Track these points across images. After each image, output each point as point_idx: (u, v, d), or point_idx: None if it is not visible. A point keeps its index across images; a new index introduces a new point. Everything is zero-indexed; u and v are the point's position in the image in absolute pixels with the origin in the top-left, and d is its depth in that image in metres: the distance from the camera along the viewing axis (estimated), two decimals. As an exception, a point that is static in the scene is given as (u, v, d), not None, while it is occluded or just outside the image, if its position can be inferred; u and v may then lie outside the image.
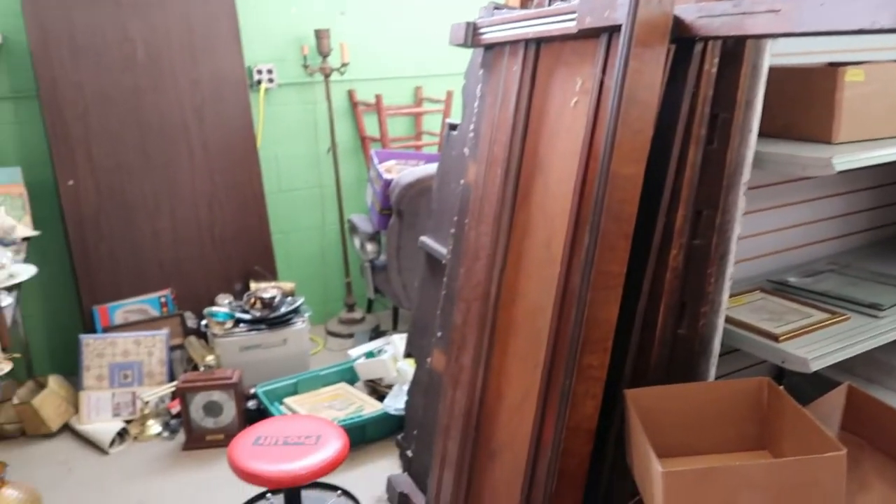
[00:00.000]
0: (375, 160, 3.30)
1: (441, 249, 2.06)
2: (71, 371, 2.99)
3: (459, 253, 1.79)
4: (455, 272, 1.81)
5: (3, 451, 2.77)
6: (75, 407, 2.91)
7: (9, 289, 2.17)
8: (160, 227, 3.22)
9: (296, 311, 3.17)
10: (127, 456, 2.70)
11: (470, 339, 1.63)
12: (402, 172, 3.12)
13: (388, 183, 3.10)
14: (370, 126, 3.69)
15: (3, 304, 2.04)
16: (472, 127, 1.77)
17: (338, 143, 3.62)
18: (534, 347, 1.35)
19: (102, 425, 2.83)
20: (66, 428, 2.88)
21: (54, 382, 2.96)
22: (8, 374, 3.02)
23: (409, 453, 2.22)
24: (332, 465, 2.03)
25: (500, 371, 1.50)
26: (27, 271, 2.38)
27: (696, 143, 1.21)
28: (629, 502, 1.21)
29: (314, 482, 2.39)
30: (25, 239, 2.82)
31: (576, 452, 1.19)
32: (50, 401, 2.87)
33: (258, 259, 3.45)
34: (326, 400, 2.92)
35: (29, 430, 2.85)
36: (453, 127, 2.11)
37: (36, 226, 3.00)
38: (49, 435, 2.83)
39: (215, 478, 2.53)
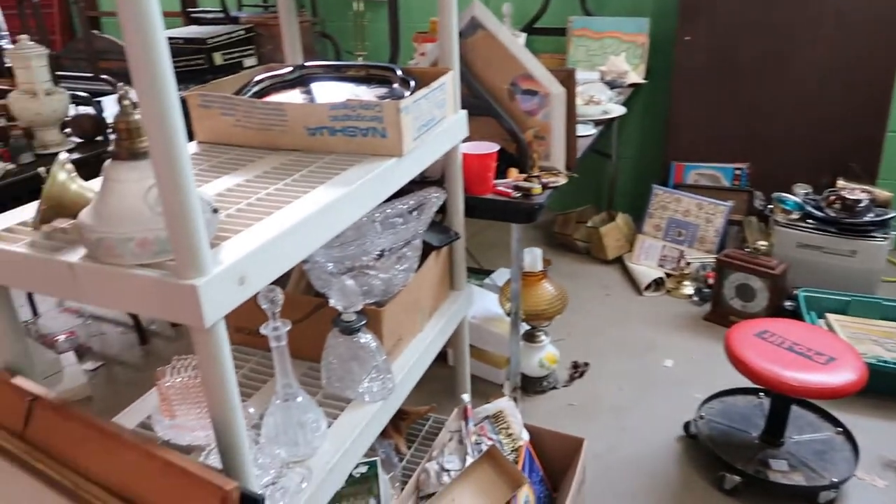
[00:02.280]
0: None
1: None
2: (637, 214, 3.31)
3: None
4: None
5: (569, 261, 3.34)
6: (631, 245, 3.25)
7: (597, 122, 2.49)
8: (758, 95, 3.10)
9: (881, 225, 2.71)
10: (655, 302, 2.93)
11: None
12: None
13: None
14: None
15: (585, 133, 2.36)
16: None
17: None
18: None
19: (646, 269, 3.10)
20: (619, 261, 3.27)
21: (622, 219, 3.35)
22: (591, 201, 3.54)
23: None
24: (832, 393, 1.79)
25: None
26: (618, 111, 2.66)
27: None
28: None
29: (808, 403, 2.16)
30: (632, 85, 3.12)
31: None
32: (613, 233, 3.27)
33: (858, 156, 3.01)
34: (877, 334, 2.49)
35: (592, 252, 3.34)
36: None
37: (647, 75, 3.27)
38: (604, 261, 3.28)
39: (719, 354, 2.53)
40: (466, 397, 1.70)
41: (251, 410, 1.21)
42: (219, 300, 0.87)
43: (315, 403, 1.26)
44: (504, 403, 1.77)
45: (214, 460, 1.09)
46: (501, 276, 2.51)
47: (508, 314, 2.11)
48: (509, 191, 1.82)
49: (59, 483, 0.90)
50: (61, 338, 2.76)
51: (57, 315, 2.97)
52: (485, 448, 1.56)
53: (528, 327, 2.34)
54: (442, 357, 2.42)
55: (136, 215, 0.88)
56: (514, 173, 1.90)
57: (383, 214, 1.51)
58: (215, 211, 0.95)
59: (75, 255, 0.93)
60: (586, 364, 2.51)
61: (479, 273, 2.63)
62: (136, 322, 2.81)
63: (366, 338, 1.35)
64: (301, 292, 1.53)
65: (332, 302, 1.31)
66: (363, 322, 1.34)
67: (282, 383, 1.21)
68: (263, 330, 1.17)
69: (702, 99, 3.20)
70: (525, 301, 2.19)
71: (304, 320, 1.44)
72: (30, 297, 3.05)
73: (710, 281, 2.92)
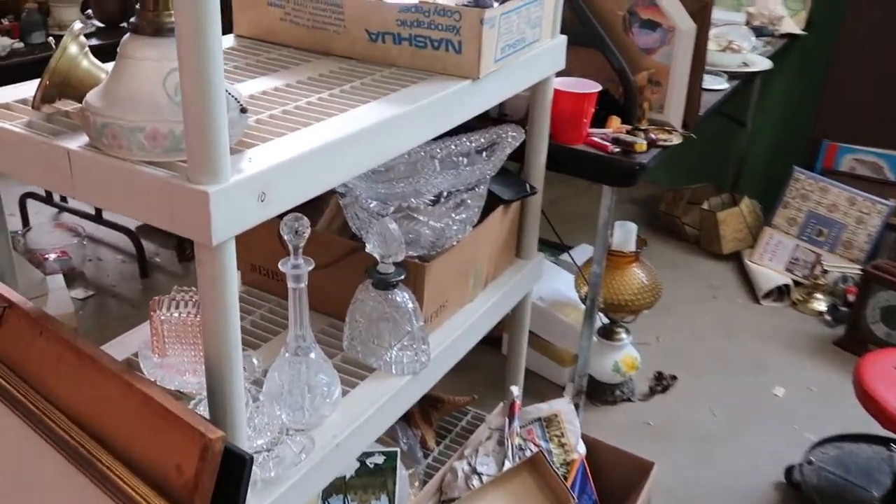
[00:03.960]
0: None
1: None
2: (768, 202, 3.23)
3: None
4: None
5: (671, 248, 3.30)
6: (754, 239, 3.18)
7: (732, 76, 2.43)
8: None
9: None
10: (774, 314, 2.88)
11: None
12: None
13: None
14: None
15: (714, 86, 2.30)
16: None
17: None
18: None
19: (769, 272, 3.03)
20: (735, 256, 3.21)
21: (746, 205, 3.27)
22: (710, 178, 3.47)
23: None
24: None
25: None
26: (762, 64, 2.59)
27: None
28: None
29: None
30: (786, 36, 3.01)
31: None
32: (733, 221, 3.21)
33: None
34: None
35: (703, 242, 3.29)
36: None
37: (807, 26, 3.16)
38: (717, 254, 3.22)
39: (845, 388, 2.47)
40: (516, 390, 1.72)
41: (255, 361, 1.25)
42: (232, 215, 0.90)
43: (330, 365, 1.29)
44: (562, 406, 1.78)
45: (204, 412, 1.14)
46: (583, 253, 2.50)
47: (584, 301, 2.11)
48: (606, 143, 1.80)
49: (21, 404, 0.96)
50: (51, 256, 2.90)
51: (50, 230, 3.12)
52: (529, 455, 1.58)
53: (606, 321, 2.33)
54: (494, 343, 2.44)
55: (151, 102, 0.91)
56: (615, 122, 1.88)
57: (446, 150, 1.52)
58: (244, 111, 0.98)
59: (75, 142, 0.98)
60: (673, 377, 2.49)
61: (555, 246, 2.63)
62: (139, 251, 2.93)
63: (402, 296, 1.37)
64: (334, 232, 1.56)
65: (368, 247, 1.33)
66: (401, 277, 1.36)
67: (294, 334, 1.25)
68: (282, 266, 1.20)
69: (874, 65, 3.07)
70: (607, 287, 2.18)
71: (333, 265, 1.47)
72: (22, 205, 3.21)
73: (850, 297, 2.84)
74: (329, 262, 1.47)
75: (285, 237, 1.18)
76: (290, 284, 1.21)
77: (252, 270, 1.62)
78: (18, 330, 1.02)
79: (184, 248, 3.00)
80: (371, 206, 1.41)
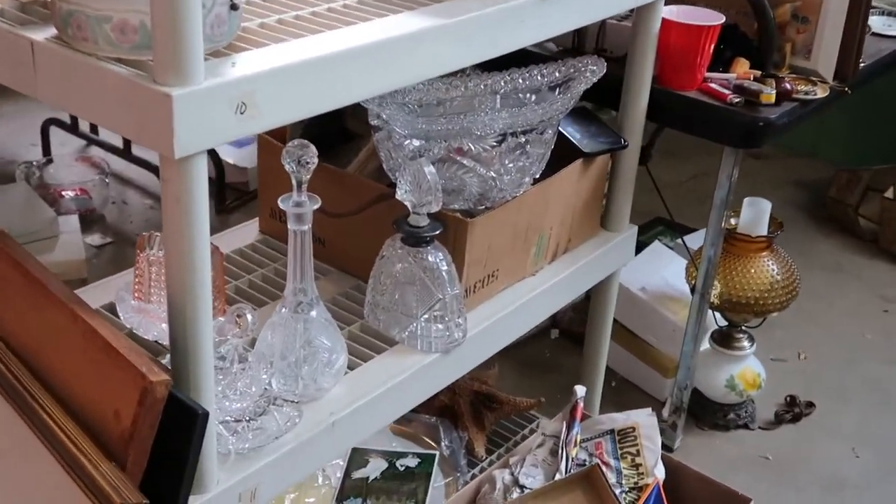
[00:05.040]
0: None
1: None
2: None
3: None
4: None
5: (838, 245, 3.23)
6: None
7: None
8: None
9: None
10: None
11: None
12: None
13: None
14: None
15: (888, 31, 2.25)
16: None
17: None
18: None
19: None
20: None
21: (946, 196, 3.16)
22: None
23: None
24: None
25: None
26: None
27: None
28: None
29: None
30: None
31: None
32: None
33: None
34: None
35: (882, 239, 3.20)
36: None
37: None
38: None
39: None
40: (581, 390, 1.75)
41: (248, 316, 1.32)
42: (201, 124, 0.97)
43: (335, 326, 1.36)
44: (642, 418, 1.79)
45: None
46: (701, 239, 2.49)
47: (693, 293, 2.11)
48: (725, 91, 1.79)
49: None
50: (68, 194, 3.09)
51: (71, 163, 3.31)
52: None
53: (723, 322, 2.32)
54: (577, 339, 2.46)
55: (119, -13, 0.99)
56: (741, 66, 1.87)
57: (511, 84, 1.55)
58: (234, 7, 1.05)
59: (43, 34, 1.07)
60: (810, 405, 2.45)
61: (670, 228, 2.62)
62: (219, 175, 3.03)
63: (436, 256, 1.43)
64: (367, 175, 1.63)
65: (398, 193, 1.39)
66: (436, 232, 1.41)
67: (293, 287, 1.32)
68: (282, 203, 1.27)
69: None
70: (726, 279, 2.17)
71: (360, 215, 1.54)
72: (45, 133, 3.41)
73: None
74: (354, 210, 1.54)
75: (287, 167, 1.25)
76: (291, 226, 1.29)
77: (271, 216, 1.71)
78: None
79: (224, 196, 3.13)
80: (406, 143, 1.47)
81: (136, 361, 0.96)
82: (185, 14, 0.92)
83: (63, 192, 3.08)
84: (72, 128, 3.43)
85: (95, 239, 2.99)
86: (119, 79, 0.98)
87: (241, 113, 1.01)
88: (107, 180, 3.18)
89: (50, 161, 3.30)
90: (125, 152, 3.27)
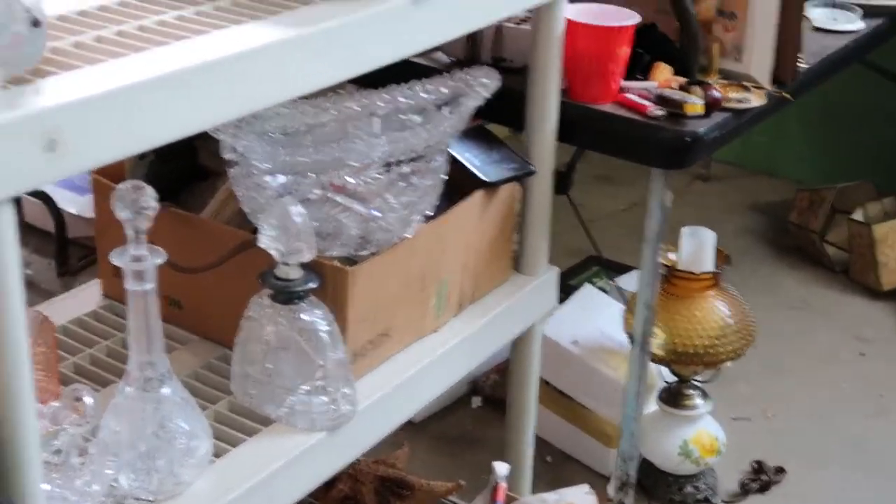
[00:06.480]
0: None
1: None
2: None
3: None
4: None
5: (804, 280, 3.29)
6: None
7: (873, 10, 2.43)
8: None
9: None
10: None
11: None
12: None
13: None
14: None
15: (847, 26, 2.32)
16: None
17: None
18: None
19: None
20: (896, 295, 3.19)
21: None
22: (866, 173, 3.46)
23: None
24: None
25: None
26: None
27: None
28: None
29: None
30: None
31: None
32: (897, 238, 3.19)
33: None
34: None
35: (853, 270, 3.28)
36: None
37: None
38: (871, 292, 3.20)
39: None
40: (502, 468, 1.75)
41: (87, 399, 1.30)
42: (3, 166, 0.96)
43: (194, 405, 1.35)
44: (578, 497, 1.80)
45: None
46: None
47: (632, 343, 2.13)
48: (645, 103, 1.83)
49: None
50: None
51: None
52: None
53: (669, 377, 2.34)
54: (503, 407, 2.47)
55: None
56: (663, 73, 1.91)
57: (391, 103, 1.57)
58: (36, 24, 1.05)
59: None
60: (780, 470, 2.48)
61: (605, 267, 2.66)
62: (59, 229, 2.94)
63: (312, 314, 1.42)
64: (227, 221, 1.62)
65: (262, 239, 1.39)
66: (311, 285, 1.41)
67: (138, 360, 1.31)
68: (116, 258, 1.26)
69: None
70: (667, 325, 2.20)
71: (218, 267, 1.53)
72: None
73: None
74: (213, 263, 1.53)
75: (120, 214, 1.24)
76: (130, 286, 1.28)
77: (115, 276, 1.69)
78: None
79: (66, 255, 3.06)
80: (273, 180, 1.47)
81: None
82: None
83: None
84: None
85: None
86: None
87: (52, 151, 1.00)
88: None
89: None
90: None
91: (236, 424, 1.46)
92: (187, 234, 1.54)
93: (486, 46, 1.95)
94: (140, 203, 1.24)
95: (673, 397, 2.34)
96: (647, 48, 1.92)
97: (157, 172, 1.56)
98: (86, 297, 1.76)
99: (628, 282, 2.39)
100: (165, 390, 1.32)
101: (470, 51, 1.96)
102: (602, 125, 1.86)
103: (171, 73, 1.10)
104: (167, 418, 1.31)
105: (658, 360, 2.22)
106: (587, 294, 2.58)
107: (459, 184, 1.65)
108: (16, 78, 1.04)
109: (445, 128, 1.51)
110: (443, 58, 2.00)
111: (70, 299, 1.76)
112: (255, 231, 1.52)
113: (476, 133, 1.73)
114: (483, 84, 1.55)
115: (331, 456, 1.49)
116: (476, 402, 2.66)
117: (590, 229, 2.39)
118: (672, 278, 2.19)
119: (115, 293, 1.71)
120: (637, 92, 1.87)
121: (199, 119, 1.16)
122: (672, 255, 2.21)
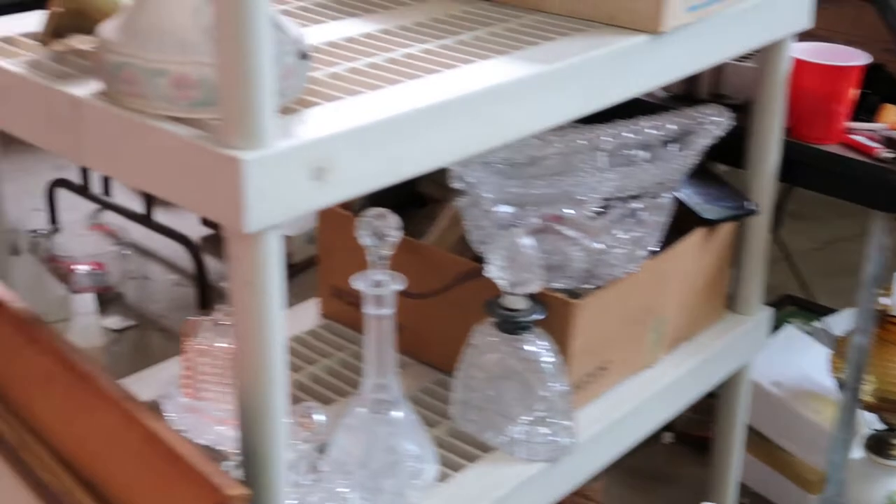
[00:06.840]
0: None
1: None
2: None
3: None
4: None
5: None
6: None
7: None
8: None
9: None
10: None
11: None
12: None
13: None
14: None
15: None
16: None
17: None
18: None
19: None
20: None
21: None
22: None
23: None
24: None
25: None
26: None
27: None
28: None
29: None
30: None
31: None
32: None
33: None
34: None
35: None
36: None
37: None
38: None
39: None
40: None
41: (320, 418, 1.33)
42: (275, 193, 0.99)
43: (424, 432, 1.37)
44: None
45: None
46: (846, 322, 2.46)
47: (842, 388, 2.07)
48: (873, 145, 1.79)
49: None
50: (82, 269, 3.12)
51: (83, 233, 3.35)
52: None
53: (879, 426, 2.27)
54: (703, 446, 2.44)
55: (178, 37, 1.03)
56: (891, 114, 1.86)
57: (617, 140, 1.58)
58: (304, 57, 1.09)
59: (86, 89, 1.12)
60: None
61: (807, 308, 2.60)
62: (199, 269, 3.06)
63: (537, 346, 1.43)
64: (448, 248, 1.65)
65: (490, 269, 1.40)
66: (537, 317, 1.42)
67: (372, 382, 1.34)
68: (357, 283, 1.30)
69: None
70: (879, 371, 2.13)
71: (442, 295, 1.56)
72: (51, 196, 3.46)
73: None
74: (437, 289, 1.56)
75: (364, 242, 1.28)
76: (370, 310, 1.31)
77: (334, 296, 1.74)
78: (3, 336, 1.17)
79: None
80: (498, 210, 1.49)
81: (208, 471, 0.98)
82: (256, 66, 0.94)
83: (75, 267, 3.12)
84: (82, 189, 3.48)
85: (115, 321, 3.02)
86: (178, 141, 1.01)
87: (319, 179, 1.03)
88: (126, 252, 3.20)
89: (58, 230, 3.32)
90: (145, 219, 3.28)
91: (456, 449, 1.47)
92: (413, 261, 1.56)
93: (704, 82, 1.93)
94: (383, 230, 1.27)
95: (881, 446, 2.27)
96: (874, 88, 1.88)
97: (378, 198, 1.59)
98: (301, 316, 1.80)
99: (834, 324, 2.33)
100: (397, 413, 1.34)
101: (688, 86, 1.95)
102: (827, 165, 1.81)
103: (430, 105, 1.13)
104: (397, 440, 1.34)
105: (867, 406, 2.16)
106: (789, 334, 2.53)
107: (677, 220, 1.64)
108: (284, 108, 1.08)
109: (676, 165, 1.51)
110: (659, 92, 1.99)
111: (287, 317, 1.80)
112: (475, 259, 1.54)
113: (695, 169, 1.72)
114: (714, 122, 1.54)
115: (549, 487, 1.49)
116: (667, 437, 2.62)
117: (789, 268, 2.34)
118: (885, 323, 2.12)
119: (333, 313, 1.76)
120: (864, 133, 1.83)
121: (452, 150, 1.19)
122: (885, 300, 2.15)
